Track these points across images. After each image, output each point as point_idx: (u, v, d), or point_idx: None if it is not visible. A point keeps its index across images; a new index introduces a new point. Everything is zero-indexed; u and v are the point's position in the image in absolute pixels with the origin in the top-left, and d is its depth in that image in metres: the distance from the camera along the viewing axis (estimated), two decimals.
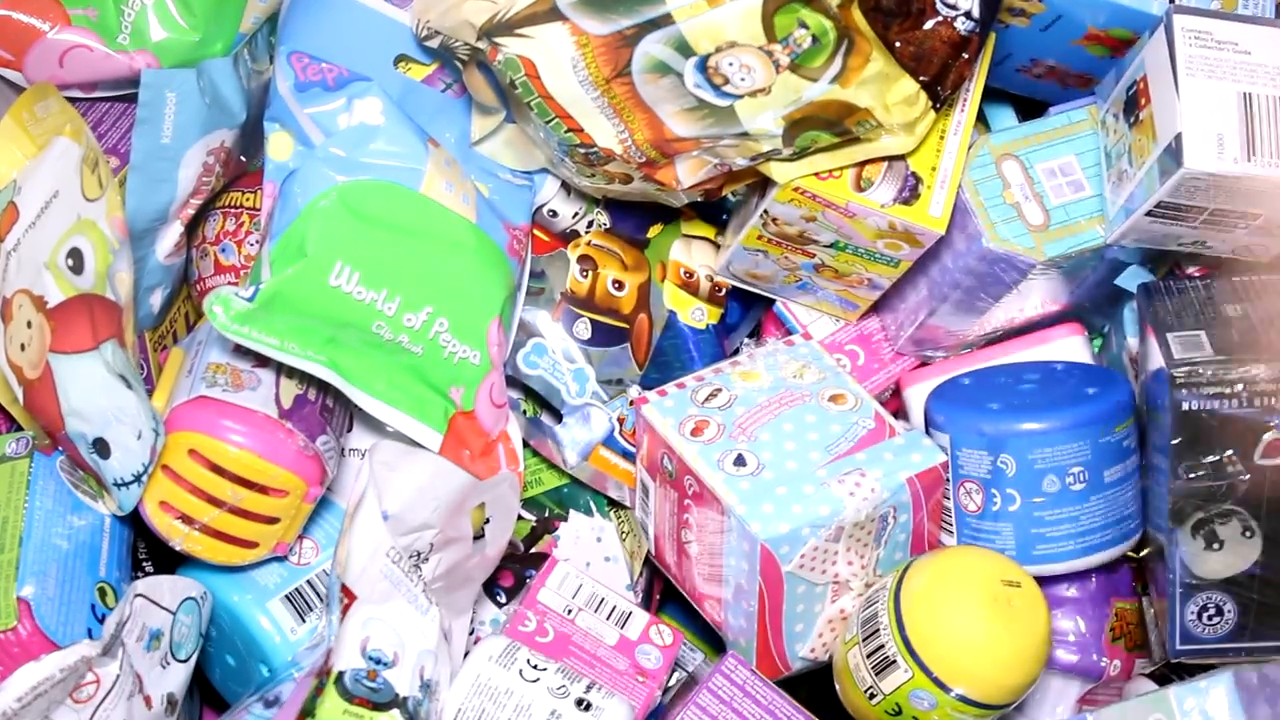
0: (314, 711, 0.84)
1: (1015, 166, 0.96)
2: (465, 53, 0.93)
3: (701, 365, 1.00)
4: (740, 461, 0.91)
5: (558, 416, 1.00)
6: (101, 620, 0.87)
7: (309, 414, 0.91)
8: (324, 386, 0.94)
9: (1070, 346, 1.00)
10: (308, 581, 0.94)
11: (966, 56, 0.89)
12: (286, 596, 0.93)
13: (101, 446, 0.86)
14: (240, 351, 0.92)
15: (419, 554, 0.89)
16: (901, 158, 0.93)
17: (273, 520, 0.90)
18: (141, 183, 0.93)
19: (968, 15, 0.88)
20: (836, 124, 0.90)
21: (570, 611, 0.94)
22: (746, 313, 1.08)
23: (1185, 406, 0.87)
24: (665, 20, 0.88)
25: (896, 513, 0.91)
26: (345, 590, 0.86)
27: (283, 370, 0.92)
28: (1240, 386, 0.86)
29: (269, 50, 0.99)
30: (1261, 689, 0.83)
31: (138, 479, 0.87)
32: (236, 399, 0.89)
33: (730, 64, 0.88)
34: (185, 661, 0.87)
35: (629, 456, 0.98)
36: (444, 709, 0.88)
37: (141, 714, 0.83)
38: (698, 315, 1.02)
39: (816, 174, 0.92)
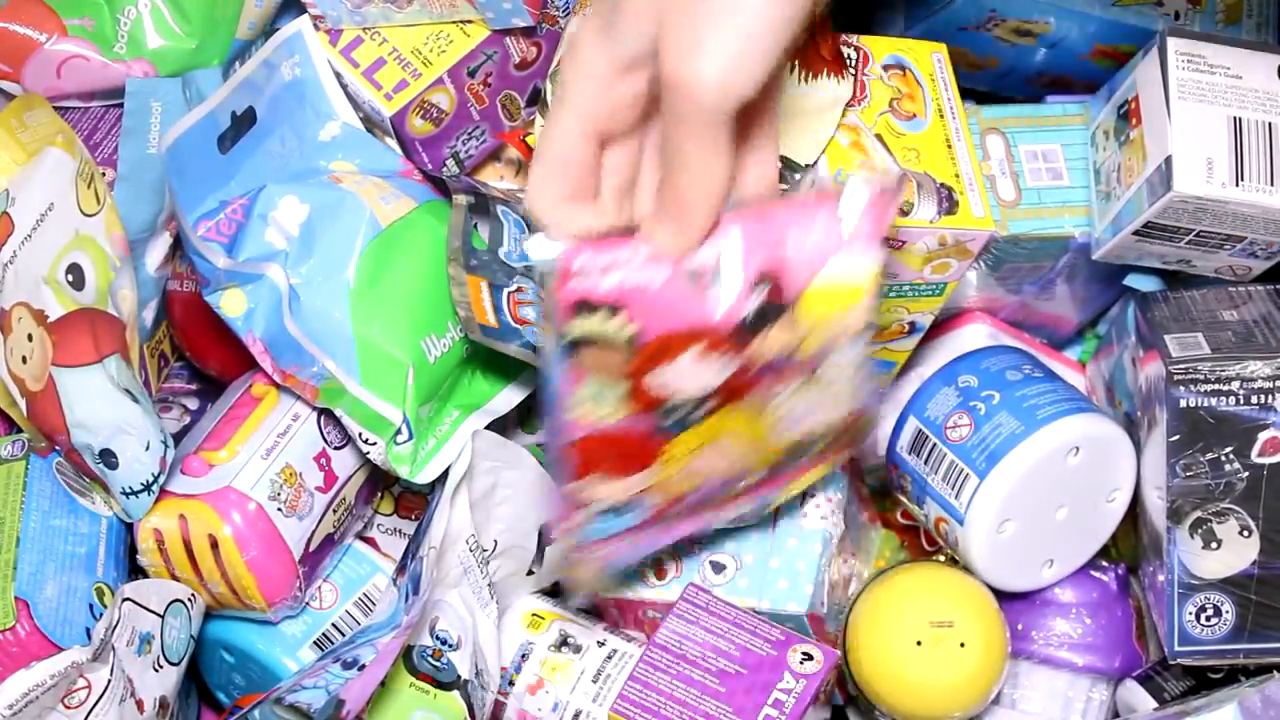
0: (382, 680, 0.84)
1: (999, 142, 0.96)
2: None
3: None
4: (717, 567, 0.92)
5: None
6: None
7: (322, 552, 0.92)
8: (351, 524, 0.94)
9: (975, 334, 1.01)
10: (332, 624, 0.94)
11: None
12: (315, 642, 0.93)
13: (108, 457, 0.86)
14: (318, 459, 0.91)
15: (487, 551, 0.89)
16: (927, 174, 0.89)
17: (224, 605, 0.91)
18: (130, 193, 0.92)
19: None
20: None
21: None
22: None
23: (1183, 404, 0.87)
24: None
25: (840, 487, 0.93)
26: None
27: (332, 504, 0.91)
28: (1237, 384, 0.87)
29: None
30: (1265, 712, 0.83)
31: (147, 488, 0.86)
32: (280, 524, 0.88)
33: None
34: (177, 665, 0.87)
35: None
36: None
37: (134, 718, 0.82)
38: None
39: None
